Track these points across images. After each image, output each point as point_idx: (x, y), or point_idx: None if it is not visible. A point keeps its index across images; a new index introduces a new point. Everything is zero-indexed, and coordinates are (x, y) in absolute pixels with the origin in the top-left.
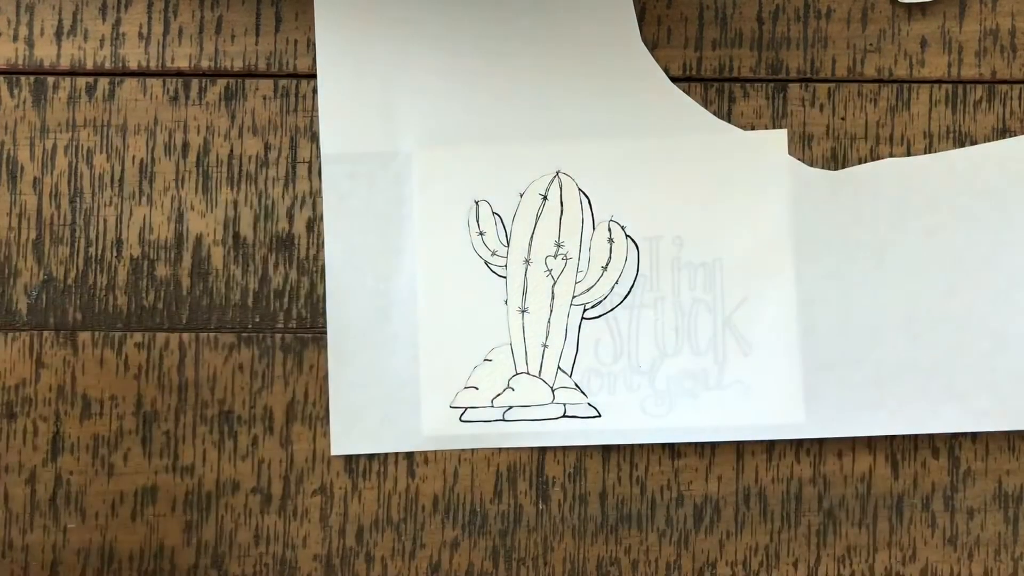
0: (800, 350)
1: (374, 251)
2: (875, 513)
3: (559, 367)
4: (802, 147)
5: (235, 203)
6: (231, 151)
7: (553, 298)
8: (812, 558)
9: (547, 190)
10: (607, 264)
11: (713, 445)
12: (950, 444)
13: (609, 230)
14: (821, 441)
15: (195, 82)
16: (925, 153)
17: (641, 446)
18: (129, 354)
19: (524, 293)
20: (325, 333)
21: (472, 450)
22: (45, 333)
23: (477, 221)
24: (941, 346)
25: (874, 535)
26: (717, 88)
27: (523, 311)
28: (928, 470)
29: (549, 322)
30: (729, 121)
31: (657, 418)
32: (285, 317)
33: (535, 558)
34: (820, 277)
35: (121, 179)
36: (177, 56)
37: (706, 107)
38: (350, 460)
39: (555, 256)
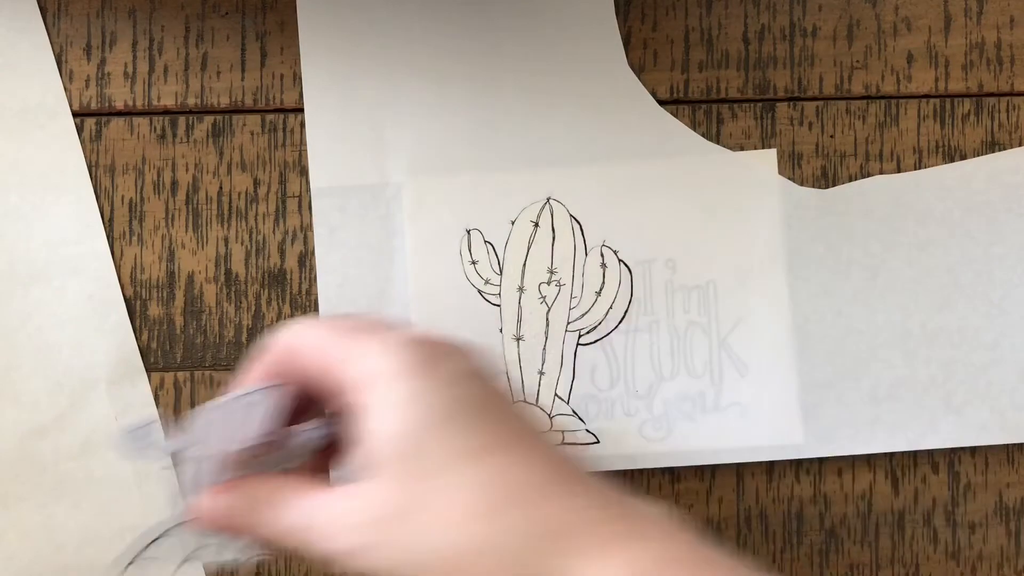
0: (796, 369)
1: (367, 283)
2: (877, 530)
3: (556, 394)
4: (792, 166)
5: (226, 240)
6: (220, 188)
7: (548, 325)
8: None
9: (538, 217)
10: (601, 289)
11: (713, 468)
12: (949, 459)
13: (602, 255)
14: (820, 460)
15: (182, 119)
16: (915, 168)
17: (641, 471)
18: None
19: (519, 321)
20: None
21: None
22: None
23: (469, 250)
24: (937, 361)
25: (876, 552)
26: (705, 110)
27: (518, 339)
28: (928, 485)
29: (545, 349)
30: (718, 142)
31: (656, 442)
32: None
33: None
34: (814, 296)
35: (111, 219)
36: (163, 94)
37: (695, 129)
38: None
39: (548, 283)
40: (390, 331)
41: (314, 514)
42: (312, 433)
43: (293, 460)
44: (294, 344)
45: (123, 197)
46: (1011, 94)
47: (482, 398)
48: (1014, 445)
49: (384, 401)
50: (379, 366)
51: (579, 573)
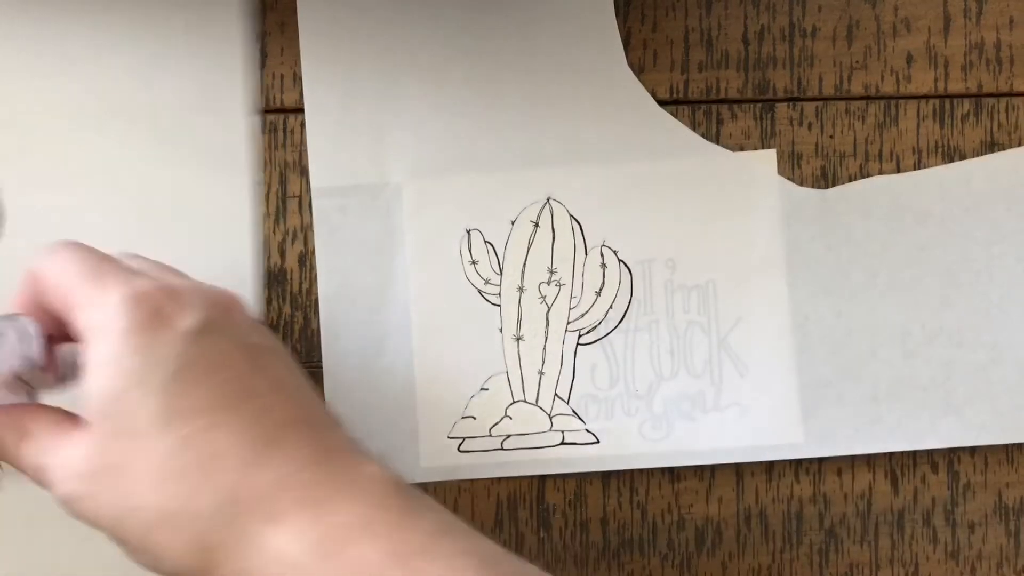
0: (796, 369)
1: (367, 283)
2: (876, 530)
3: (556, 394)
4: (791, 166)
5: None
6: None
7: (548, 325)
8: None
9: (538, 217)
10: (600, 289)
11: (712, 467)
12: (949, 458)
13: (601, 255)
14: (820, 460)
15: None
16: (914, 168)
17: (641, 471)
18: None
19: (519, 321)
20: (321, 367)
21: (471, 480)
22: None
23: (469, 250)
24: (937, 361)
25: (876, 552)
26: (705, 110)
27: (518, 339)
28: (928, 485)
29: (544, 349)
30: (718, 143)
31: (656, 442)
32: None
33: None
34: (813, 295)
35: None
36: None
37: (694, 129)
38: None
39: (548, 283)
40: (131, 280)
41: (48, 456)
42: (76, 355)
43: (67, 380)
44: (43, 276)
45: None
46: (1010, 94)
47: (201, 358)
48: (1014, 445)
49: (98, 358)
50: (103, 320)
51: (262, 539)
